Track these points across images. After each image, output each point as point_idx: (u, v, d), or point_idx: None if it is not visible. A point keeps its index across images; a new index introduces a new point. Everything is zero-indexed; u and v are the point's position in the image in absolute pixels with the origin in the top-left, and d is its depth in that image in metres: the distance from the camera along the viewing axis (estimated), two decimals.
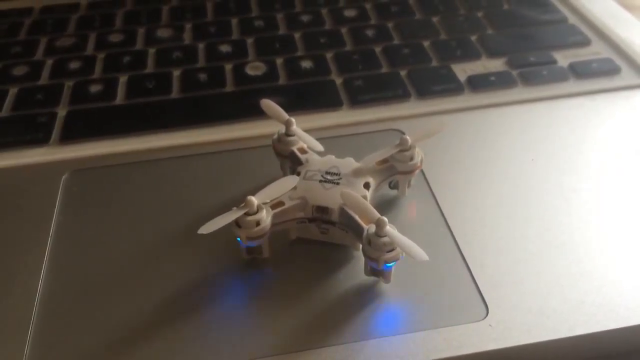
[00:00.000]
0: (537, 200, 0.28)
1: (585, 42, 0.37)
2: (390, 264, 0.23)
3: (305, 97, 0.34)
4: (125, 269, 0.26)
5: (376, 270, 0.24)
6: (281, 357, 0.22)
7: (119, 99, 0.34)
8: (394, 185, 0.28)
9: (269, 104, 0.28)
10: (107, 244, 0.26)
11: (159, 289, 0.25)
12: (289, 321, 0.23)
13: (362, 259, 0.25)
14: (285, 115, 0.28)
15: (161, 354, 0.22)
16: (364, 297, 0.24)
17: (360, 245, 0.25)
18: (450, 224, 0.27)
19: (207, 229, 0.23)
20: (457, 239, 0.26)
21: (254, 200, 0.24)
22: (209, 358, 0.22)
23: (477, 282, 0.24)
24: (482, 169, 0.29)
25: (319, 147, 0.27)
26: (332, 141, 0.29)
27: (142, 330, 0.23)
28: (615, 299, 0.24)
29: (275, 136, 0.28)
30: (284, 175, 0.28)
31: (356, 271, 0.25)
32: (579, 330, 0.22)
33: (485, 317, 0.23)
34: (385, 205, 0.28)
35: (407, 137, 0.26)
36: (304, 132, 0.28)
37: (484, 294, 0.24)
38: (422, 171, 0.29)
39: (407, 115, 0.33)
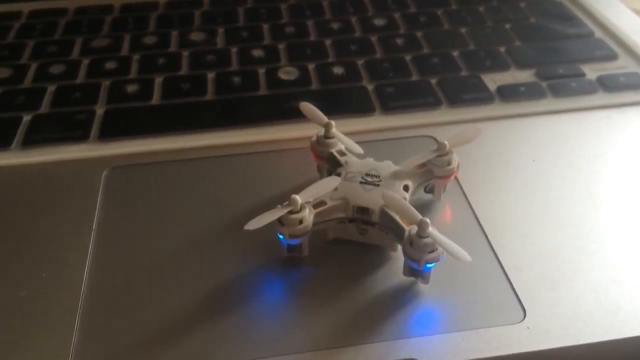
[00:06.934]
0: (568, 208, 0.28)
1: (612, 57, 0.38)
2: (431, 265, 0.24)
3: (337, 102, 0.35)
4: (166, 264, 0.26)
5: (415, 270, 0.24)
6: (321, 353, 0.23)
7: (155, 99, 0.35)
8: (429, 190, 0.28)
9: (308, 106, 0.29)
10: (149, 239, 0.27)
11: (199, 283, 0.25)
12: (328, 318, 0.24)
13: (399, 260, 0.25)
14: (325, 118, 0.28)
15: (204, 346, 0.23)
16: (402, 296, 0.25)
17: (398, 246, 0.26)
18: (484, 228, 0.27)
19: (253, 225, 0.24)
20: (492, 243, 0.27)
21: (298, 198, 0.24)
22: (251, 350, 0.23)
23: (514, 285, 0.25)
24: (514, 176, 0.30)
25: (359, 149, 0.28)
26: (365, 145, 0.29)
27: (184, 323, 0.24)
28: None
29: (314, 138, 0.28)
30: (321, 177, 0.29)
31: (393, 272, 0.26)
32: (615, 335, 0.23)
33: (522, 320, 0.24)
34: (420, 209, 0.28)
35: (446, 142, 0.27)
36: (342, 134, 0.28)
37: (520, 297, 0.24)
38: (455, 177, 0.29)
39: (439, 122, 0.33)
